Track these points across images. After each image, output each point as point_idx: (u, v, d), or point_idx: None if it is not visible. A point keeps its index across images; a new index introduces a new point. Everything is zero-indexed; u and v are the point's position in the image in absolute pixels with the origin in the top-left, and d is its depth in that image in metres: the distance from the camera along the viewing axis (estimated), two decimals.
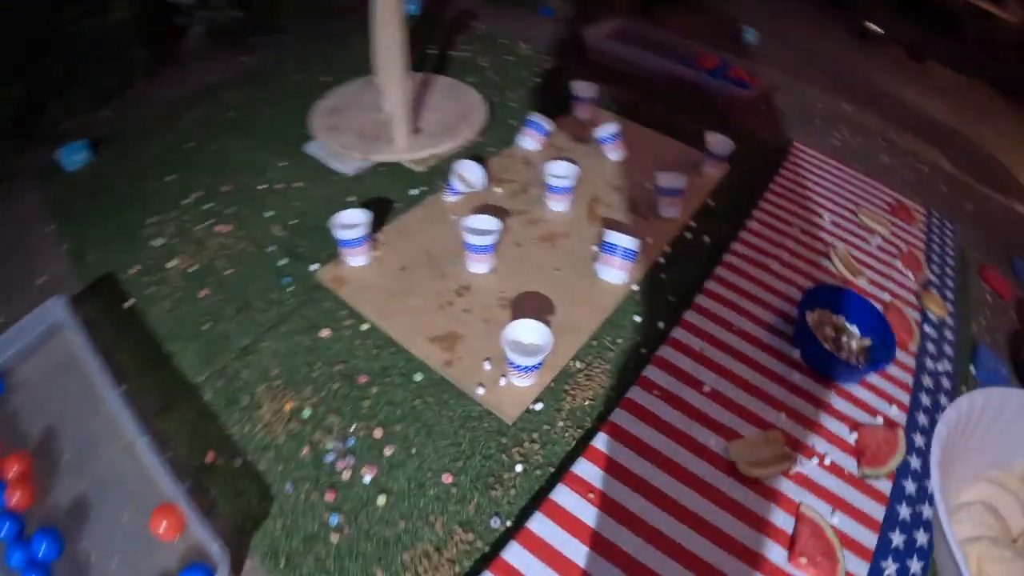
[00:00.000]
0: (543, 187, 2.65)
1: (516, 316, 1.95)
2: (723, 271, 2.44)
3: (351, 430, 1.76)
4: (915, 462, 1.86)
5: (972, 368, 2.44)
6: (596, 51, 3.80)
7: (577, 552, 1.44)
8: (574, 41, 3.95)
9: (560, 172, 2.62)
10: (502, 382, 1.95)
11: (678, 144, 3.26)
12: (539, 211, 2.68)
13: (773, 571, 1.49)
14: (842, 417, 1.96)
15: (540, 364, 1.85)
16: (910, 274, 2.97)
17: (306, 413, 1.78)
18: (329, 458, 1.68)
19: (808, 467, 1.76)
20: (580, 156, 2.98)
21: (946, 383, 2.27)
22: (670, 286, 2.42)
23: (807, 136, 3.75)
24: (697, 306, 2.24)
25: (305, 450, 1.69)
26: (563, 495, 1.57)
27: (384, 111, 2.93)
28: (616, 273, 2.34)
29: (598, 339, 2.16)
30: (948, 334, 2.69)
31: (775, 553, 1.53)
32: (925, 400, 2.16)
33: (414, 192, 2.70)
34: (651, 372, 1.97)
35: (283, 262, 2.26)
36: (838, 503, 1.69)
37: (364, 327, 2.09)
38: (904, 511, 1.70)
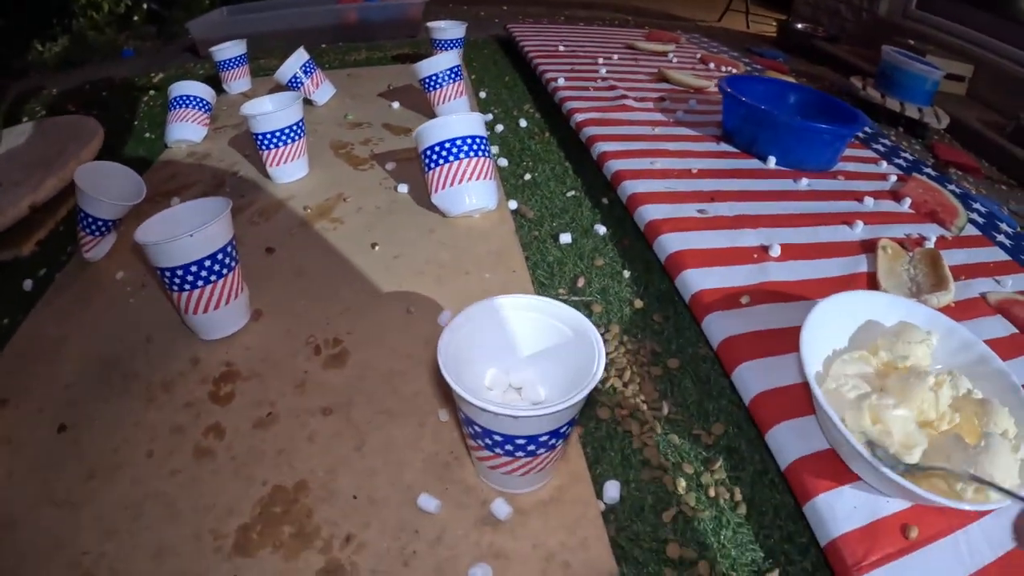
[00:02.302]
0: (238, 173, 1.77)
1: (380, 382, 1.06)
2: (615, 163, 1.65)
3: None
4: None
5: None
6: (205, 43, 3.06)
7: None
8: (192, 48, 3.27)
9: (281, 122, 1.62)
10: (501, 512, 0.87)
11: (387, 69, 2.71)
12: (268, 194, 1.65)
13: None
14: (883, 195, 1.63)
15: (570, 425, 0.82)
16: (732, 69, 2.61)
17: None
18: None
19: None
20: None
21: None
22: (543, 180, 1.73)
23: (499, 26, 3.46)
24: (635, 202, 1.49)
25: None
26: None
27: None
28: (480, 193, 1.46)
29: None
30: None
31: None
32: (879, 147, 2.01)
33: (28, 285, 1.43)
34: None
35: None
36: (987, 269, 1.40)
37: None
38: (1002, 238, 1.55)
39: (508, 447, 0.76)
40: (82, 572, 0.81)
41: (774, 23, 4.34)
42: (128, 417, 0.99)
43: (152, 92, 2.53)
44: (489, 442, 0.77)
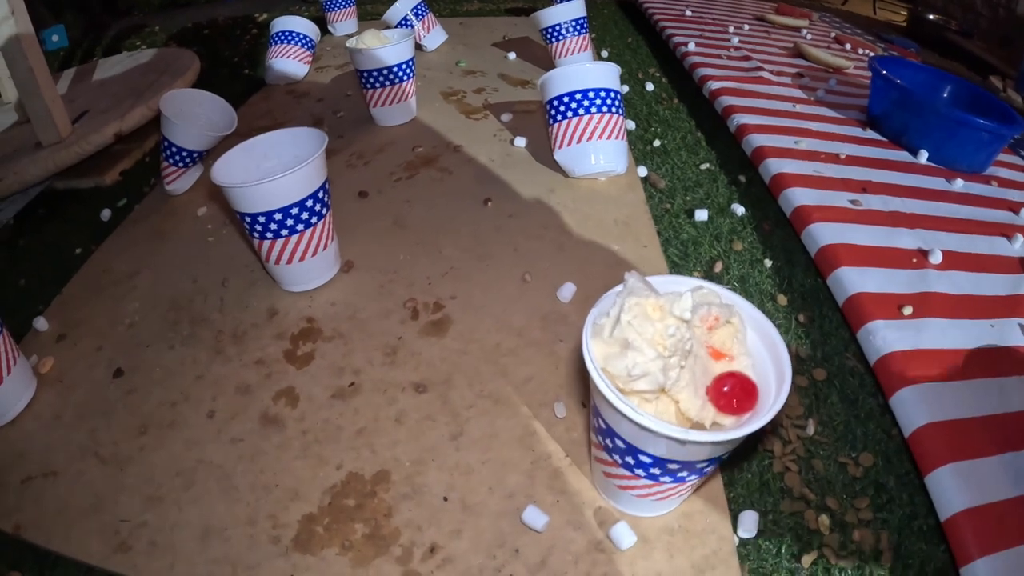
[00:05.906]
0: (339, 113, 1.61)
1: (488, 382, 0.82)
2: (756, 137, 1.40)
3: None
4: None
5: None
6: None
7: None
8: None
9: (388, 59, 1.42)
10: (622, 540, 0.65)
11: (502, 20, 2.46)
12: (369, 137, 1.47)
13: None
14: None
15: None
16: (869, 52, 2.28)
17: None
18: None
19: None
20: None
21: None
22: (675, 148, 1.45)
23: None
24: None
25: None
26: None
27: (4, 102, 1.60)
28: (610, 153, 1.22)
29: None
30: None
31: None
32: None
33: (106, 215, 1.30)
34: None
35: None
36: None
37: None
38: None
39: (654, 470, 0.56)
40: (118, 542, 0.66)
41: (902, 12, 3.88)
42: (191, 368, 0.83)
43: (254, 31, 2.41)
44: (631, 461, 0.56)
